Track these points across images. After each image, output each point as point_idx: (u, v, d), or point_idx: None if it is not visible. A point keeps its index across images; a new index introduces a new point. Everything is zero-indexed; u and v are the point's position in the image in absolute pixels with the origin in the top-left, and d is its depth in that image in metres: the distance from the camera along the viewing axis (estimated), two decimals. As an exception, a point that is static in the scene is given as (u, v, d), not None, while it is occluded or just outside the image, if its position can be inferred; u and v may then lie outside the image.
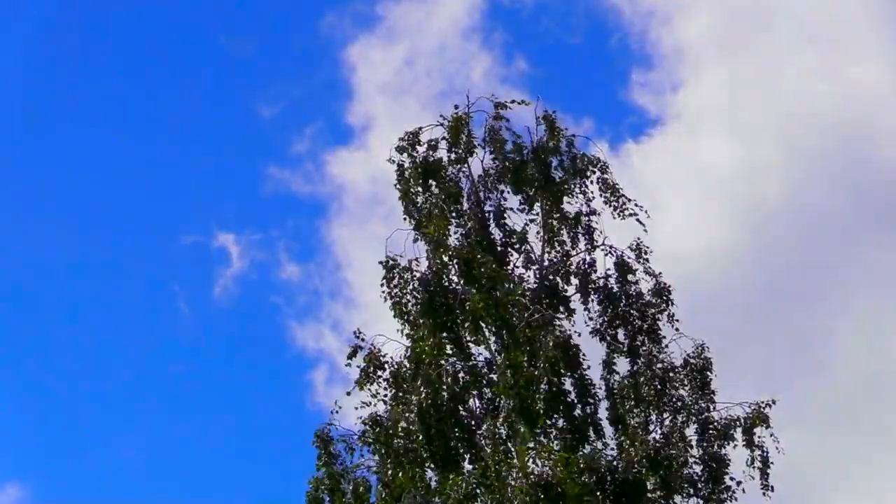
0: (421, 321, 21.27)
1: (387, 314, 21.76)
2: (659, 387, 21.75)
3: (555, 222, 22.49)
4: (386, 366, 21.55)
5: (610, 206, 22.51)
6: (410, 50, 48.56)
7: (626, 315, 22.24)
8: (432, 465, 20.53)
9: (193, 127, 52.19)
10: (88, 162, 51.07)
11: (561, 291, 22.21)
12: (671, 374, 21.86)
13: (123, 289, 49.59)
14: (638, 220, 22.34)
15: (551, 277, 22.21)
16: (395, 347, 21.45)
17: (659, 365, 21.92)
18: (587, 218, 22.67)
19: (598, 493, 19.66)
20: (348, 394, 21.36)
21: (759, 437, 21.44)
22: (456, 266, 21.61)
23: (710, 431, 21.56)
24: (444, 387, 20.72)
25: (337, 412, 21.26)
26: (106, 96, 51.05)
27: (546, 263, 22.32)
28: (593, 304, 22.39)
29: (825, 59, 48.94)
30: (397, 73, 48.37)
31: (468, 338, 21.34)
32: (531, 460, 19.99)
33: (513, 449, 20.39)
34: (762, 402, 21.58)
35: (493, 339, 21.36)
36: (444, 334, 21.23)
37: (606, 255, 22.55)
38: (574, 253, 22.56)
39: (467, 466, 20.48)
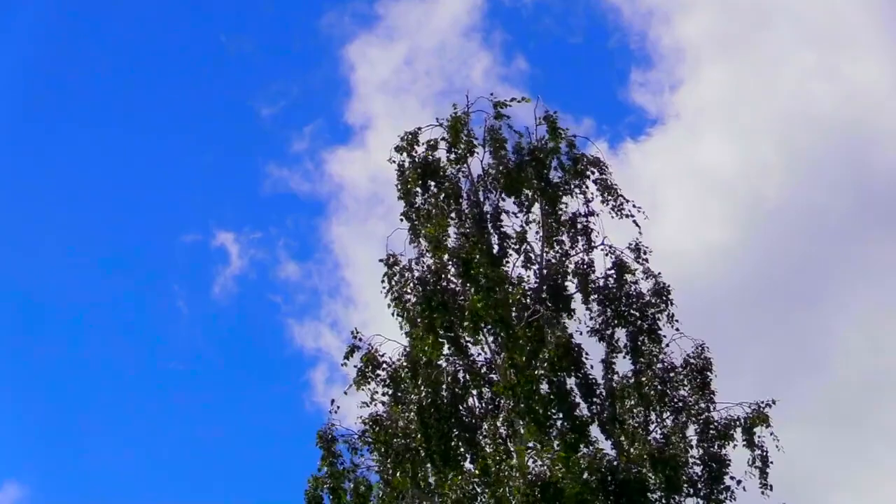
0: (420, 321, 21.25)
1: (386, 313, 21.78)
2: (659, 387, 21.75)
3: (554, 223, 22.46)
4: (384, 365, 21.56)
5: (608, 205, 22.51)
6: (410, 49, 48.63)
7: (625, 315, 22.23)
8: (432, 465, 20.51)
9: (193, 126, 52.26)
10: (88, 161, 51.14)
11: (561, 291, 22.19)
12: (671, 375, 21.85)
13: (123, 288, 49.63)
14: (634, 221, 22.35)
15: (553, 276, 22.18)
16: (394, 347, 21.50)
17: (659, 365, 21.91)
18: (585, 219, 22.66)
19: (600, 493, 19.65)
20: (345, 393, 21.42)
21: (759, 436, 21.45)
22: (455, 266, 21.60)
23: (711, 431, 21.57)
24: (444, 387, 20.72)
25: (335, 412, 21.31)
26: (106, 95, 51.10)
27: (545, 263, 22.30)
28: (593, 304, 22.37)
29: (824, 58, 49.00)
30: (397, 72, 48.44)
31: (467, 337, 21.33)
32: (531, 460, 20.00)
33: (512, 449, 20.39)
34: (762, 402, 21.60)
35: (492, 338, 21.36)
36: (443, 334, 21.20)
37: (606, 255, 22.57)
38: (573, 253, 22.56)
39: (467, 466, 20.49)
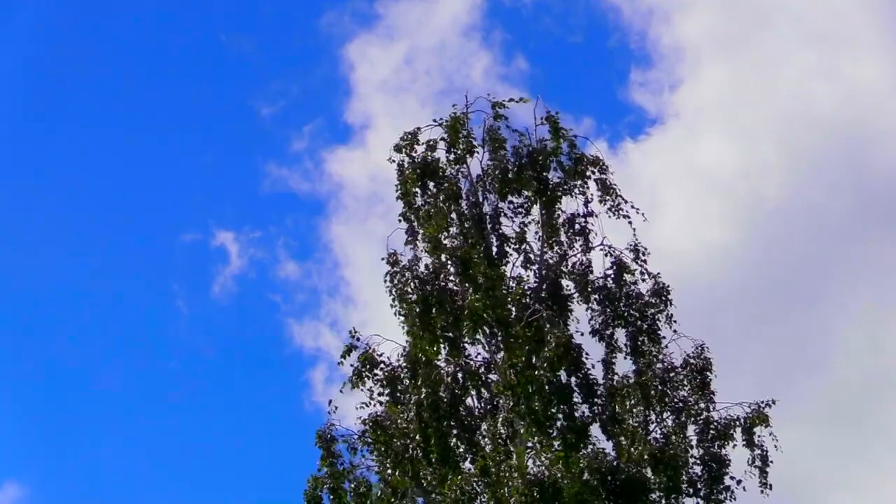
0: (419, 320, 21.24)
1: (385, 312, 21.77)
2: (659, 387, 21.74)
3: (553, 223, 22.43)
4: (382, 365, 21.55)
5: (606, 205, 22.50)
6: (410, 48, 48.61)
7: (625, 315, 22.21)
8: (431, 465, 20.49)
9: (193, 125, 52.25)
10: (87, 160, 51.12)
11: (559, 291, 22.16)
12: (671, 375, 21.84)
13: (122, 287, 49.60)
14: (629, 221, 22.33)
15: (552, 276, 22.16)
16: (392, 347, 21.49)
17: (659, 365, 21.90)
18: (584, 219, 22.64)
19: (599, 494, 19.64)
20: (341, 391, 21.41)
21: (758, 436, 21.44)
22: (454, 266, 21.59)
23: (710, 431, 21.56)
24: (443, 387, 20.70)
25: (333, 412, 21.30)
26: (105, 95, 51.07)
27: (544, 263, 22.27)
28: (592, 305, 22.34)
29: (824, 57, 48.97)
30: (397, 71, 48.42)
31: (466, 337, 21.31)
32: (530, 460, 19.99)
33: (512, 449, 20.38)
34: (762, 402, 21.59)
35: (491, 338, 21.35)
36: (442, 333, 21.19)
37: (605, 255, 22.55)
38: (571, 253, 22.54)
39: (467, 466, 20.48)
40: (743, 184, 46.79)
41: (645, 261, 22.39)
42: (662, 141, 47.11)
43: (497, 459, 20.03)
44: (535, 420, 20.16)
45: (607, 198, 22.52)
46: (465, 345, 21.34)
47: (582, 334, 21.30)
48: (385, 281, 21.84)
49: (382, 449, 20.87)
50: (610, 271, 22.40)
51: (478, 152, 22.49)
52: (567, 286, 22.25)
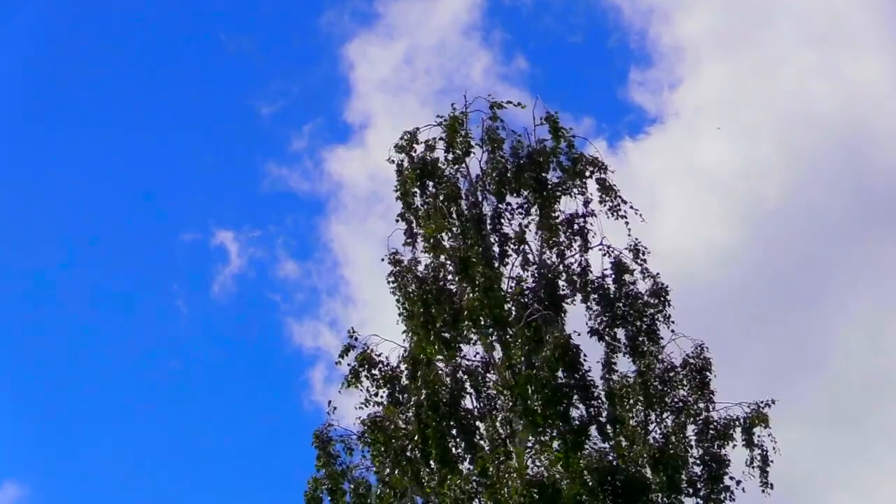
0: (420, 320, 21.22)
1: (384, 312, 21.77)
2: (659, 387, 21.72)
3: (551, 223, 22.41)
4: (380, 365, 21.53)
5: (605, 205, 22.48)
6: (410, 48, 48.57)
7: (624, 315, 22.18)
8: (430, 466, 20.47)
9: (192, 124, 52.21)
10: (87, 160, 51.06)
11: (557, 291, 22.14)
12: (671, 375, 21.82)
13: (122, 286, 49.56)
14: (626, 222, 22.32)
15: (550, 276, 22.14)
16: (390, 347, 21.48)
17: (658, 365, 21.88)
18: (583, 219, 22.62)
19: (598, 494, 19.62)
20: (339, 392, 21.40)
21: (758, 436, 21.42)
22: (453, 266, 21.58)
23: (710, 431, 21.54)
24: (443, 387, 20.67)
25: (333, 412, 21.28)
26: (105, 94, 51.02)
27: (543, 264, 22.25)
28: (591, 305, 22.32)
29: (824, 57, 48.93)
30: (396, 70, 48.38)
31: (465, 337, 21.30)
32: (529, 460, 19.97)
33: (511, 449, 20.36)
34: (761, 402, 21.57)
35: (490, 338, 21.33)
36: (441, 333, 21.17)
37: (604, 255, 22.53)
38: (569, 254, 22.52)
39: (466, 466, 20.45)
40: (743, 183, 46.76)
41: (645, 260, 22.39)
42: (662, 140, 47.08)
43: (496, 460, 20.00)
44: (531, 421, 20.15)
45: (606, 199, 22.51)
46: (464, 345, 21.35)
47: (579, 334, 21.29)
48: (388, 281, 21.85)
49: (382, 449, 20.84)
50: (609, 271, 22.39)
51: (476, 152, 22.51)
52: (564, 286, 22.25)
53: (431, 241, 21.82)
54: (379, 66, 48.63)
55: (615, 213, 22.36)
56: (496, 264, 21.85)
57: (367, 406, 21.34)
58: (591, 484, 19.59)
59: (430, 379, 20.66)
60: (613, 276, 22.37)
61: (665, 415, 21.69)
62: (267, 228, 51.16)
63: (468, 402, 21.06)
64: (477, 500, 19.90)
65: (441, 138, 22.45)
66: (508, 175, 22.35)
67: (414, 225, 22.24)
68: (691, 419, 21.65)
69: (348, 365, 21.58)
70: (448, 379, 20.79)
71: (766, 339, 43.75)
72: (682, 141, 47.81)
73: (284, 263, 48.49)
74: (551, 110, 22.54)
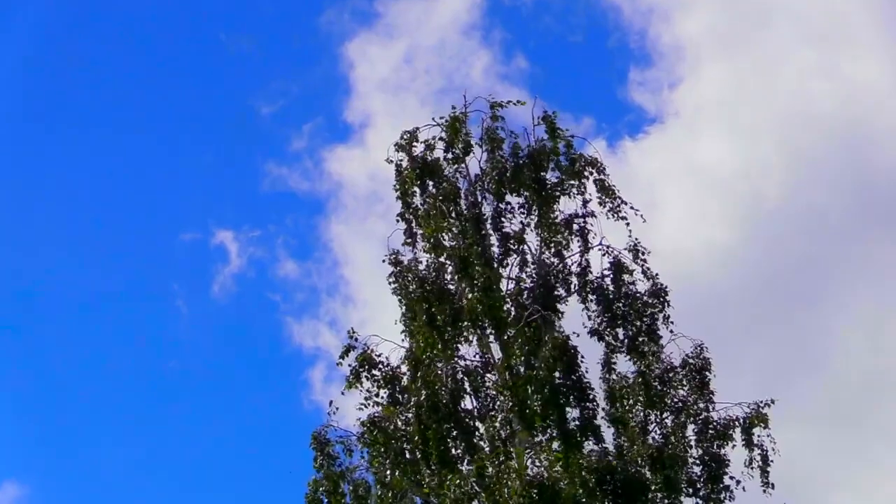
0: (422, 320, 21.21)
1: (385, 312, 21.77)
2: (658, 387, 21.70)
3: (551, 223, 22.40)
4: (380, 366, 21.51)
5: (604, 206, 22.48)
6: (410, 47, 48.54)
7: (624, 315, 22.17)
8: (430, 466, 20.44)
9: (192, 124, 52.18)
10: (87, 159, 51.04)
11: (555, 291, 22.13)
12: (670, 375, 21.81)
13: (122, 286, 49.55)
14: (627, 224, 22.31)
15: (548, 278, 22.13)
16: (390, 348, 21.46)
17: (658, 365, 21.86)
18: (582, 220, 22.61)
19: (598, 494, 19.60)
20: (342, 393, 21.38)
21: (758, 436, 21.41)
22: (453, 266, 21.56)
23: (709, 431, 21.52)
24: (443, 387, 20.65)
25: (334, 413, 21.26)
26: (105, 94, 50.99)
27: (542, 264, 22.23)
28: (591, 305, 22.32)
29: (824, 56, 48.90)
30: (396, 70, 48.35)
31: (464, 338, 21.28)
32: (529, 461, 19.94)
33: (511, 450, 20.33)
34: (761, 402, 21.55)
35: (490, 339, 21.32)
36: (441, 332, 21.14)
37: (603, 255, 22.52)
38: (567, 254, 22.51)
39: (466, 467, 20.42)
40: (743, 183, 46.73)
41: (645, 260, 22.37)
42: (662, 140, 47.07)
43: (496, 461, 19.98)
44: (530, 421, 20.13)
45: (606, 200, 22.50)
46: (463, 345, 21.32)
47: (577, 335, 21.26)
48: (388, 282, 21.84)
49: (381, 450, 20.81)
50: (608, 271, 22.37)
51: (476, 152, 22.50)
52: (563, 286, 22.23)
53: (431, 240, 21.80)
54: (379, 65, 48.64)
55: (615, 215, 22.36)
56: (495, 264, 21.83)
57: (366, 406, 21.32)
58: (590, 484, 19.57)
59: (431, 379, 20.64)
60: (612, 276, 22.35)
61: (665, 415, 21.68)
62: (267, 228, 51.18)
63: (468, 403, 21.06)
64: (476, 500, 19.88)
65: (441, 138, 22.45)
66: (508, 175, 22.34)
67: (413, 224, 22.23)
68: (691, 419, 21.64)
69: (349, 366, 21.57)
70: (448, 379, 20.77)
71: (766, 339, 43.74)
72: (682, 141, 47.81)
73: (284, 263, 48.48)
74: (549, 110, 22.60)
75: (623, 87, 48.94)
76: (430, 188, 22.32)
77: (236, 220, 50.36)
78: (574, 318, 22.12)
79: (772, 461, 21.37)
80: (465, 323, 21.16)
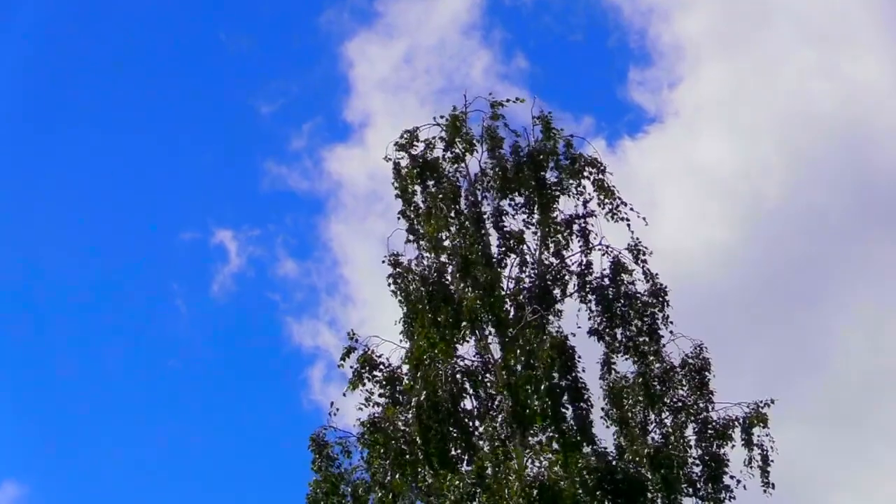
0: (423, 319, 21.18)
1: (384, 312, 21.75)
2: (658, 387, 21.69)
3: (551, 223, 22.38)
4: (381, 367, 21.49)
5: (604, 207, 22.47)
6: (409, 46, 48.56)
7: (623, 315, 22.15)
8: (430, 467, 20.42)
9: (192, 123, 52.18)
10: (86, 159, 51.05)
11: (553, 292, 22.11)
12: (670, 375, 21.80)
13: (121, 286, 49.55)
14: (628, 225, 22.32)
15: (548, 278, 22.11)
16: (391, 349, 21.44)
17: (658, 365, 21.85)
18: (583, 220, 22.60)
19: (598, 493, 19.59)
20: (344, 395, 21.36)
21: (757, 436, 21.40)
22: (453, 266, 21.54)
23: (709, 431, 21.51)
24: (443, 387, 20.62)
25: (335, 414, 21.24)
26: (105, 93, 51.01)
27: (542, 264, 22.22)
28: (591, 305, 22.30)
29: (824, 56, 48.92)
30: (396, 69, 48.36)
31: (466, 337, 21.27)
32: (528, 461, 19.93)
33: (510, 450, 20.31)
34: (761, 402, 21.54)
35: (490, 339, 21.31)
36: (444, 333, 21.12)
37: (603, 255, 22.51)
38: (567, 254, 22.50)
39: (465, 467, 20.40)
40: (743, 183, 46.73)
41: (645, 261, 22.35)
42: (661, 139, 47.08)
43: (495, 461, 19.96)
44: (527, 422, 20.12)
45: (605, 200, 22.49)
46: (463, 345, 21.31)
47: (574, 335, 21.24)
48: (388, 284, 21.81)
49: (381, 451, 20.78)
50: (608, 271, 22.36)
51: (476, 151, 22.49)
52: (561, 287, 22.22)
53: (432, 240, 21.77)
54: (379, 65, 48.66)
55: (614, 216, 22.35)
56: (496, 264, 21.81)
57: (366, 406, 21.29)
58: (590, 484, 19.55)
59: (430, 380, 20.62)
60: (612, 276, 22.33)
61: (664, 415, 21.66)
62: (266, 227, 51.20)
63: (468, 403, 21.04)
64: (476, 501, 19.86)
65: (441, 137, 22.44)
66: (509, 173, 22.33)
67: (415, 222, 22.19)
68: (691, 419, 21.63)
69: (350, 367, 21.55)
70: (448, 380, 20.74)
71: (766, 339, 43.74)
72: (682, 140, 47.82)
73: (284, 262, 48.50)
74: (546, 110, 22.63)
75: (623, 86, 48.97)
76: (431, 188, 22.29)
77: (236, 219, 50.39)
78: (573, 318, 22.15)
79: (772, 461, 21.36)
80: (465, 323, 21.14)
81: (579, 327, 22.00)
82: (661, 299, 22.17)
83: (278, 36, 51.89)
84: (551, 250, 22.38)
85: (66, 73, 50.65)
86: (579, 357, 20.65)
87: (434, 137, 22.47)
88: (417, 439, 20.47)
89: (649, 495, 20.42)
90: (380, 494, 20.62)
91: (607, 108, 50.46)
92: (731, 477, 21.36)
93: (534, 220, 22.45)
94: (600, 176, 22.62)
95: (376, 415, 21.06)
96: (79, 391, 47.76)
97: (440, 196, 22.09)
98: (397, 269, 21.87)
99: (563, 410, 20.35)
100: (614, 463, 20.20)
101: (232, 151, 51.36)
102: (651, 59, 51.00)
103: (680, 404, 21.72)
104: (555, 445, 20.14)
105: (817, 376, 43.53)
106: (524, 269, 22.13)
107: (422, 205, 22.23)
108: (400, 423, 20.78)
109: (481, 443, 20.55)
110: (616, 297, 22.21)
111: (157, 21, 51.42)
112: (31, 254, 49.31)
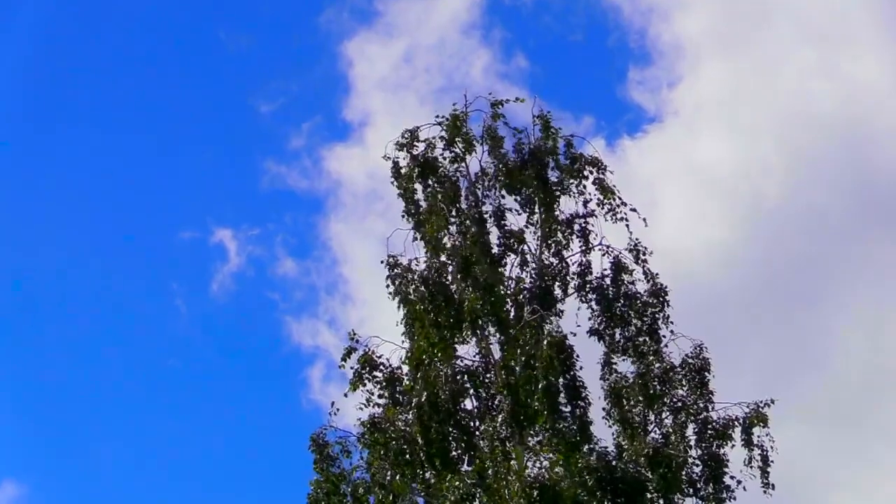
0: (424, 319, 21.15)
1: (384, 312, 21.71)
2: (658, 387, 21.67)
3: (552, 223, 22.36)
4: (381, 367, 21.46)
5: (603, 207, 22.44)
6: (409, 46, 48.52)
7: (623, 315, 22.13)
8: (431, 467, 20.40)
9: (191, 122, 52.18)
10: (86, 158, 51.03)
11: (556, 292, 22.09)
12: (670, 375, 21.77)
13: (121, 285, 49.55)
14: (627, 225, 22.29)
15: (547, 278, 22.09)
16: (391, 349, 21.41)
17: (658, 365, 21.83)
18: (583, 220, 22.57)
19: (598, 494, 19.56)
20: (345, 395, 21.33)
21: (757, 436, 21.37)
22: (453, 265, 21.51)
23: (709, 431, 21.49)
24: (444, 388, 20.60)
25: (335, 414, 21.21)
26: (104, 93, 51.00)
27: (542, 263, 22.19)
28: (591, 305, 22.28)
29: (824, 56, 48.89)
30: (396, 68, 48.34)
31: (464, 337, 21.24)
32: (529, 461, 19.91)
33: (510, 450, 20.29)
34: (761, 402, 21.52)
35: (490, 339, 21.28)
36: (444, 334, 21.09)
37: (603, 255, 22.48)
38: (568, 254, 22.48)
39: (465, 467, 20.37)
40: (742, 183, 46.71)
41: (646, 261, 22.33)
42: (661, 139, 47.06)
43: (496, 461, 19.93)
44: (527, 422, 20.09)
45: (606, 201, 22.47)
46: (464, 345, 21.29)
47: (574, 335, 21.21)
48: (386, 286, 21.79)
49: (381, 452, 20.75)
50: (608, 271, 22.34)
51: (476, 151, 22.47)
52: (561, 286, 22.20)
53: (433, 240, 21.74)
54: (378, 64, 48.64)
55: (614, 216, 22.33)
56: (497, 264, 21.79)
57: (367, 406, 21.27)
58: (590, 484, 19.53)
59: (431, 380, 20.59)
60: (612, 276, 22.31)
61: (664, 415, 21.64)
62: (266, 226, 51.25)
63: (468, 403, 21.01)
64: (476, 501, 19.84)
65: (442, 137, 22.41)
66: (512, 173, 22.31)
67: (420, 219, 22.14)
68: (691, 419, 21.60)
69: (351, 368, 21.52)
70: (448, 380, 20.71)
71: (766, 339, 43.73)
72: (682, 140, 47.81)
73: (283, 262, 48.49)
74: (546, 109, 22.61)
75: (622, 86, 48.96)
76: (432, 187, 22.26)
77: (235, 218, 50.38)
78: (573, 318, 22.14)
79: (772, 461, 21.34)
80: (466, 323, 21.11)
81: (579, 326, 22.06)
82: (661, 299, 22.16)
83: (278, 35, 51.91)
84: (552, 250, 22.36)
85: (66, 72, 50.68)
86: (577, 356, 20.64)
87: (434, 137, 22.48)
88: (418, 439, 20.44)
89: (649, 495, 20.38)
90: (380, 495, 20.59)
91: (607, 108, 50.51)
92: (732, 477, 21.35)
93: (534, 220, 22.43)
94: (601, 175, 22.61)
95: (376, 415, 21.05)
96: (78, 390, 47.79)
97: (440, 195, 22.07)
98: (395, 271, 21.83)
99: (563, 410, 20.32)
100: (614, 463, 20.18)
101: (231, 150, 51.38)
102: (651, 58, 51.02)
103: (680, 404, 21.70)
104: (555, 443, 20.11)
105: (817, 376, 43.54)
106: (524, 268, 22.12)
107: (424, 203, 22.21)
108: (400, 424, 20.76)
109: (481, 443, 20.52)
110: (616, 296, 22.20)
111: (157, 21, 51.44)
112: (31, 253, 49.34)
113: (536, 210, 22.47)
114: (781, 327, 44.40)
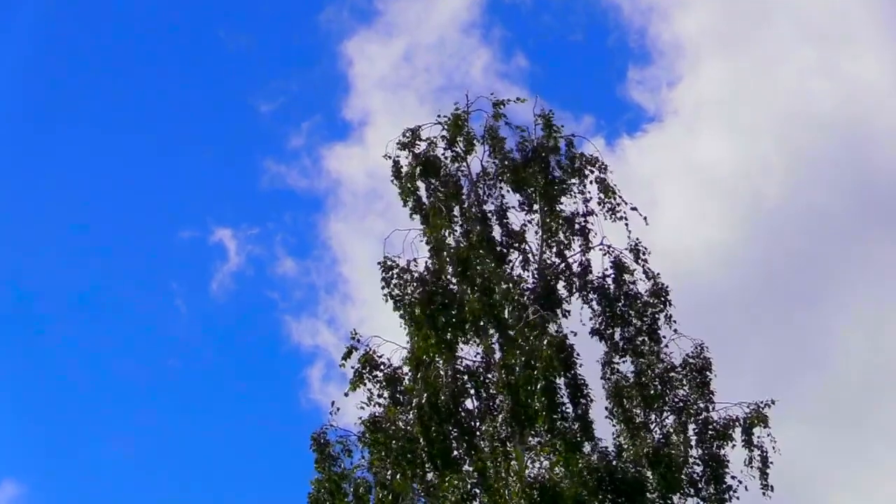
0: (420, 321, 21.15)
1: (384, 312, 21.70)
2: (659, 387, 21.67)
3: (553, 222, 22.37)
4: (382, 367, 21.47)
5: (604, 206, 22.44)
6: (409, 45, 48.53)
7: (624, 315, 22.14)
8: (431, 466, 20.41)
9: (191, 122, 52.18)
10: (86, 158, 51.04)
11: (557, 291, 22.09)
12: (670, 374, 21.78)
13: (121, 284, 49.53)
14: (626, 224, 22.30)
15: (548, 277, 22.09)
16: (392, 349, 21.41)
17: (659, 364, 21.83)
18: (584, 219, 22.58)
19: (599, 494, 19.57)
20: (346, 395, 21.33)
21: (757, 437, 21.38)
22: (454, 265, 21.52)
23: (710, 431, 21.49)
24: (444, 388, 20.60)
25: (335, 413, 21.22)
26: (104, 92, 51.02)
27: (543, 263, 22.20)
28: (592, 304, 22.28)
29: (824, 55, 48.89)
30: (395, 68, 48.35)
31: (467, 337, 21.25)
32: (529, 461, 19.92)
33: (511, 450, 20.30)
34: (761, 402, 21.52)
35: (491, 339, 21.28)
36: (444, 334, 21.10)
37: (604, 254, 22.49)
38: (569, 253, 22.49)
39: (466, 467, 20.38)
40: (742, 182, 46.72)
41: (646, 260, 22.34)
42: (660, 138, 47.07)
43: (496, 461, 19.94)
44: (527, 422, 20.10)
45: (606, 200, 22.47)
46: (465, 345, 21.29)
47: (575, 334, 21.21)
48: (382, 287, 21.78)
49: (382, 453, 20.75)
50: (609, 271, 22.35)
51: (477, 151, 22.48)
52: (564, 286, 22.20)
53: (436, 239, 21.74)
54: (378, 63, 48.64)
55: (614, 216, 22.34)
56: (497, 264, 21.78)
57: (367, 406, 21.28)
58: (590, 484, 19.54)
59: (431, 380, 20.60)
60: (613, 275, 22.32)
61: (665, 415, 21.65)
62: (265, 226, 51.23)
63: (468, 403, 21.01)
64: (477, 501, 19.85)
65: (443, 136, 22.42)
66: (516, 171, 22.32)
67: (427, 215, 22.15)
68: (691, 419, 21.60)
69: (352, 368, 21.53)
70: (448, 380, 20.72)
71: (766, 339, 43.72)
72: (681, 139, 47.81)
73: (283, 261, 48.48)
74: (546, 109, 22.61)
75: (622, 85, 48.95)
76: (432, 187, 22.26)
77: (235, 217, 50.39)
78: (574, 317, 22.13)
79: (772, 462, 21.35)
80: (467, 324, 21.11)
81: (583, 325, 22.07)
82: (662, 299, 22.16)
83: (278, 34, 51.94)
84: (553, 250, 22.36)
85: (66, 72, 50.69)
86: (577, 355, 20.64)
87: (436, 136, 22.50)
88: (419, 439, 20.45)
89: (649, 495, 20.39)
90: (381, 494, 20.59)
91: (607, 107, 50.52)
92: (733, 477, 21.36)
93: (535, 220, 22.44)
94: (602, 175, 22.62)
95: (377, 414, 21.05)
96: (78, 390, 47.78)
97: (441, 194, 22.08)
98: (391, 273, 21.81)
99: (565, 410, 20.33)
100: (614, 463, 20.18)
101: (231, 150, 51.38)
102: (650, 57, 51.02)
103: (681, 404, 21.70)
104: (556, 443, 20.12)
105: (817, 376, 43.53)
106: (526, 268, 22.13)
107: (426, 201, 22.22)
108: (401, 423, 20.77)
109: (482, 443, 20.53)
110: (617, 296, 22.20)
111: (157, 20, 51.45)
112: (31, 253, 49.35)
113: (537, 209, 22.47)
114: (781, 327, 44.41)
